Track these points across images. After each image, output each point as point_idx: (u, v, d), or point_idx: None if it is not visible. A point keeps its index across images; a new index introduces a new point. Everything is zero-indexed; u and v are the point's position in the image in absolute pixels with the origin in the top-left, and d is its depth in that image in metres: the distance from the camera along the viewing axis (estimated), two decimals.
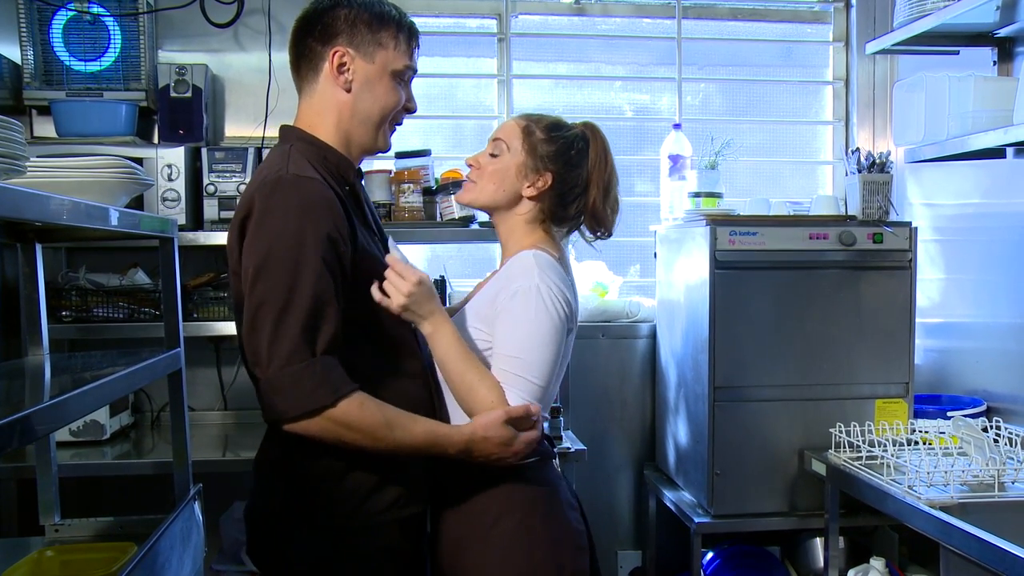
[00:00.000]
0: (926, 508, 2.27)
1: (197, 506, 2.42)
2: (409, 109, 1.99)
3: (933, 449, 2.64)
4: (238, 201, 2.00)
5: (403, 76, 1.94)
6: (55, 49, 3.27)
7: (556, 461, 2.08)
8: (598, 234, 2.11)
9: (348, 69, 1.88)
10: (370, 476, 1.85)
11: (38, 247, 2.33)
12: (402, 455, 1.83)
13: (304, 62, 1.92)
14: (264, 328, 1.71)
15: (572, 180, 2.04)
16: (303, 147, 1.88)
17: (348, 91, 1.89)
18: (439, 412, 1.98)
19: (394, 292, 1.81)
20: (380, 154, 2.07)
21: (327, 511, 1.85)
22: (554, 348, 1.90)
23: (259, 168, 1.91)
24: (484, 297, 2.02)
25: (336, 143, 1.92)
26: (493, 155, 2.05)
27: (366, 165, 2.33)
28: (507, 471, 1.93)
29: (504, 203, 2.05)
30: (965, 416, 2.74)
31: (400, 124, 2.02)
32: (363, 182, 2.09)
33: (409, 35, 1.94)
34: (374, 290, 1.82)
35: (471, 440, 1.83)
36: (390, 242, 1.90)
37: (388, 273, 1.83)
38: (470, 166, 2.09)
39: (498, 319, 1.92)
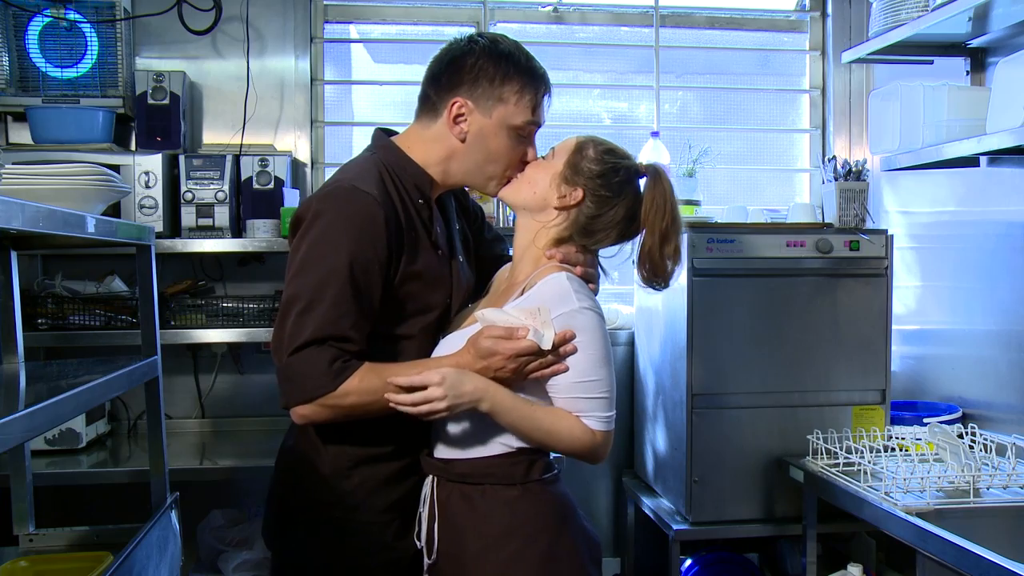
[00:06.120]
0: (902, 514, 2.28)
1: (174, 515, 2.41)
2: (527, 162, 1.97)
3: (909, 456, 2.65)
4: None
5: (523, 131, 1.92)
6: (31, 55, 3.26)
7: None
8: (654, 284, 2.00)
9: (465, 120, 1.89)
10: (376, 475, 1.89)
11: (13, 254, 2.32)
12: None
13: (428, 100, 1.95)
14: (288, 320, 1.76)
15: (603, 207, 1.94)
16: (384, 155, 1.92)
17: (463, 141, 1.90)
18: None
19: (428, 406, 1.76)
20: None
21: (328, 505, 1.89)
22: (611, 360, 1.93)
23: (336, 171, 1.94)
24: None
25: (430, 168, 1.92)
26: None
27: None
28: (532, 485, 1.89)
29: (533, 206, 1.97)
30: (941, 423, 2.75)
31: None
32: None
33: (536, 90, 1.92)
34: (407, 409, 1.76)
35: (463, 357, 1.80)
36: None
37: (403, 398, 1.76)
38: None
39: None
